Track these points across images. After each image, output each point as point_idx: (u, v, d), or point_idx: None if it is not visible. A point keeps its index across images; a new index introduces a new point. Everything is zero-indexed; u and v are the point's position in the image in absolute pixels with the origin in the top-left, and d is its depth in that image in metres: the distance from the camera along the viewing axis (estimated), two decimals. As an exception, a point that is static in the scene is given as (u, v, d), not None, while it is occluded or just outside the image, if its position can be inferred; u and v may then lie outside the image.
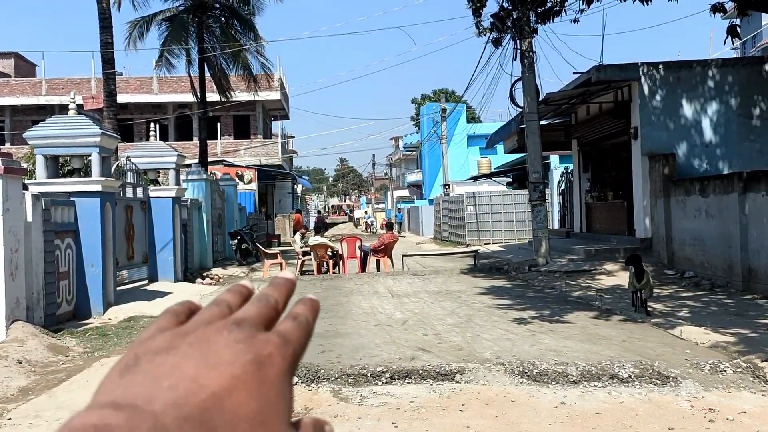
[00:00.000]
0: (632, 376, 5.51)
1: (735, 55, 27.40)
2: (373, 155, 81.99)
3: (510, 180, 29.19)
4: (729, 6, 12.53)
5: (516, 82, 14.69)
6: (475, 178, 30.16)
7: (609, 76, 13.83)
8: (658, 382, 5.41)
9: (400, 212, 43.67)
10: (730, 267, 10.90)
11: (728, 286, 10.84)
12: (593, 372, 5.62)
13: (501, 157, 29.37)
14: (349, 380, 5.65)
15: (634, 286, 8.70)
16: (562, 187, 22.30)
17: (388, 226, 18.64)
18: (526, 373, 5.64)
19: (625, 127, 14.57)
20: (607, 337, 7.28)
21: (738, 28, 11.83)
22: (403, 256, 16.46)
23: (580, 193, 18.76)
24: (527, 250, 17.39)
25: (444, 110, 32.81)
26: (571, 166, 20.45)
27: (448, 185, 31.40)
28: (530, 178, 14.49)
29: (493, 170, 30.51)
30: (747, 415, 4.61)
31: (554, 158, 24.35)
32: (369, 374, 5.74)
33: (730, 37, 11.60)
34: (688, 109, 13.76)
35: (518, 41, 13.93)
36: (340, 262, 15.32)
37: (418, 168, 49.64)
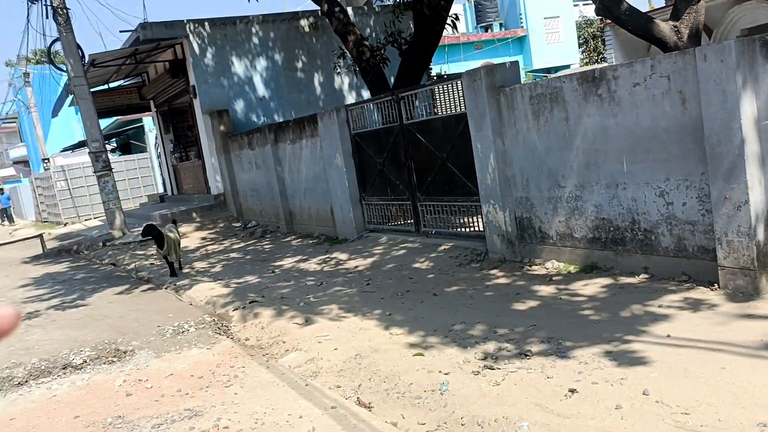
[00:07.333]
0: (87, 361, 5.30)
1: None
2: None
3: (114, 146, 27.29)
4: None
5: (54, 42, 13.21)
6: (72, 148, 27.33)
7: (157, 35, 13.36)
8: (114, 359, 5.31)
9: (3, 193, 37.63)
10: (276, 213, 11.77)
11: (278, 230, 11.72)
12: (44, 367, 5.25)
13: (104, 122, 27.09)
14: None
15: (161, 254, 8.68)
16: (159, 150, 21.61)
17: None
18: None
19: (186, 86, 14.44)
20: (109, 315, 7.04)
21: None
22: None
23: (166, 156, 18.34)
24: (128, 219, 16.39)
25: (27, 74, 28.75)
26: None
27: (47, 159, 27.99)
28: (90, 148, 13.41)
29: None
30: (170, 378, 4.74)
31: (147, 120, 23.35)
32: None
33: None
34: (239, 66, 14.21)
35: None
36: None
37: (21, 142, 43.41)
